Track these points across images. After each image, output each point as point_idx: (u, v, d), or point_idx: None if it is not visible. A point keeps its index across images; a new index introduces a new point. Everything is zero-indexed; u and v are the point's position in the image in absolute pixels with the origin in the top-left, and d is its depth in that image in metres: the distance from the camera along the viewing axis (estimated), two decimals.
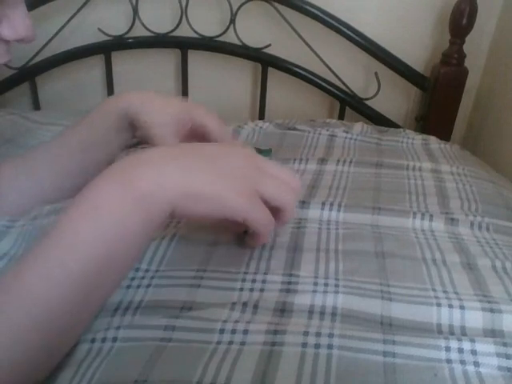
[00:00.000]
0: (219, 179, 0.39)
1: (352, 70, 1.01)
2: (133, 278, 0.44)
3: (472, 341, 0.38)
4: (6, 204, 0.55)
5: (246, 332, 0.38)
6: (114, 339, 0.38)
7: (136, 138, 0.62)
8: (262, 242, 0.48)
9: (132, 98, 0.58)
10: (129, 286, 0.43)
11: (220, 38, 0.98)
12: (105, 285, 0.37)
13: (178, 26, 0.97)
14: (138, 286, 0.44)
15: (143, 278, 0.45)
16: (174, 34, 0.99)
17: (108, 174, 0.38)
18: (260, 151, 0.71)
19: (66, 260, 0.34)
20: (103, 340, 0.38)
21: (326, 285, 0.44)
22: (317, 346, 0.37)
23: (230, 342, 0.38)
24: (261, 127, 0.87)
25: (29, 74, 1.02)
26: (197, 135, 0.57)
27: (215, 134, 0.56)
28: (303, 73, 0.99)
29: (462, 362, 0.37)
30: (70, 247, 0.34)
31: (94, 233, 0.35)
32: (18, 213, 0.54)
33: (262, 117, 1.04)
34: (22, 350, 0.31)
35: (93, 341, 0.38)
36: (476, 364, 0.37)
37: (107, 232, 0.35)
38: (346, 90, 1.00)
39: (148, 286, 0.44)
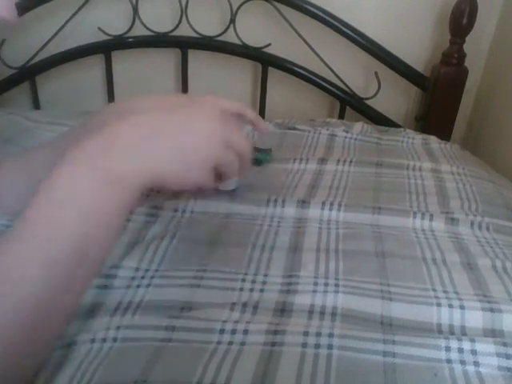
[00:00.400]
0: (182, 159, 0.39)
1: (352, 70, 1.01)
2: (133, 278, 0.44)
3: (472, 341, 0.38)
4: (4, 205, 0.55)
5: (245, 332, 0.38)
6: (114, 339, 0.38)
7: None
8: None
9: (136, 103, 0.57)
10: (129, 286, 0.43)
11: (220, 38, 0.98)
12: (84, 272, 0.36)
13: (178, 25, 0.97)
14: (138, 286, 0.44)
15: (143, 277, 0.45)
16: (174, 33, 0.98)
17: (78, 157, 0.36)
18: (259, 150, 0.71)
19: (46, 250, 0.33)
20: (103, 340, 0.38)
21: (326, 285, 0.44)
22: (317, 346, 0.37)
23: (230, 343, 0.38)
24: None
25: (29, 74, 1.02)
26: None
27: (232, 109, 0.56)
28: (303, 72, 0.98)
29: (462, 362, 0.37)
30: (50, 237, 0.34)
31: (71, 221, 0.34)
32: (14, 214, 0.54)
33: (262, 116, 1.04)
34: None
35: (92, 341, 0.38)
36: (476, 364, 0.37)
37: (84, 219, 0.35)
38: (346, 89, 1.00)
39: (148, 285, 0.44)
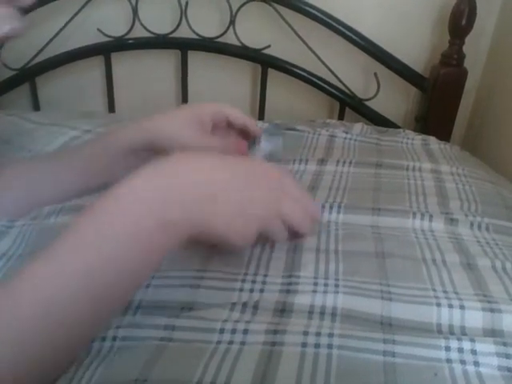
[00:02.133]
0: (235, 221, 0.41)
1: (351, 71, 1.01)
2: None
3: (472, 340, 0.38)
4: (9, 203, 0.55)
5: (246, 332, 0.38)
6: (114, 338, 0.38)
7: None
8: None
9: (148, 124, 0.58)
10: None
11: (220, 39, 0.98)
12: (115, 303, 0.37)
13: (177, 27, 0.97)
14: None
15: None
16: (174, 35, 0.99)
17: (138, 194, 0.37)
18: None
19: (87, 259, 0.34)
20: (103, 339, 0.38)
21: (326, 285, 0.44)
22: (317, 345, 0.37)
23: (230, 342, 0.38)
24: (260, 128, 0.86)
25: (29, 75, 1.02)
26: (219, 128, 0.60)
27: (239, 120, 0.59)
28: (303, 73, 0.99)
29: (462, 362, 0.37)
30: (92, 247, 0.34)
31: (116, 238, 0.35)
32: (20, 214, 0.55)
33: (261, 117, 1.04)
34: (33, 352, 0.31)
35: (93, 340, 0.38)
36: (476, 364, 0.37)
37: (128, 242, 0.35)
38: (346, 90, 1.00)
39: (148, 285, 0.44)
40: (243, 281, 0.45)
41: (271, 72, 1.00)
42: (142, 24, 0.98)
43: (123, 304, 0.39)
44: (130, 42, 1.00)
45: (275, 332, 0.38)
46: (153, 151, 0.56)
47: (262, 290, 0.44)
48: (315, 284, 0.44)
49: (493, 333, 0.41)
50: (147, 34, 0.99)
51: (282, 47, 0.98)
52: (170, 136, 0.57)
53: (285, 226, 0.45)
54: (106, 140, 0.59)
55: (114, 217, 0.36)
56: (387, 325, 0.41)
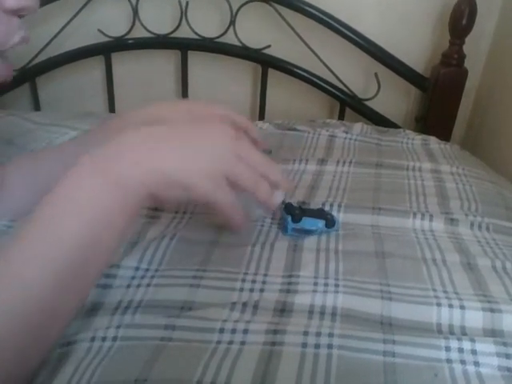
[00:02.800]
0: (191, 165, 0.40)
1: (352, 71, 1.01)
2: (133, 278, 0.44)
3: (472, 341, 0.38)
4: (13, 199, 0.55)
5: (245, 332, 0.38)
6: (114, 338, 0.38)
7: None
8: (233, 225, 0.45)
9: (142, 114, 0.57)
10: (129, 286, 0.43)
11: (220, 39, 0.98)
12: (89, 274, 0.37)
13: (178, 27, 0.97)
14: (138, 286, 0.44)
15: (143, 277, 0.45)
16: (174, 35, 0.99)
17: (88, 161, 0.38)
18: None
19: (53, 251, 0.34)
20: (103, 339, 0.38)
21: (326, 285, 0.44)
22: (317, 345, 0.37)
23: (230, 342, 0.38)
24: (261, 128, 0.87)
25: (29, 75, 1.02)
26: None
27: (243, 124, 0.57)
28: (303, 73, 0.99)
29: (462, 362, 0.37)
30: (56, 238, 0.34)
31: (77, 222, 0.35)
32: (24, 209, 0.55)
33: (261, 117, 1.04)
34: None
35: (93, 339, 0.38)
36: (476, 364, 0.37)
37: (90, 220, 0.36)
38: (346, 90, 1.00)
39: (148, 285, 0.44)
40: (243, 280, 0.45)
41: (271, 72, 1.00)
42: (142, 24, 0.98)
43: (99, 275, 0.39)
44: (130, 42, 1.00)
45: (275, 332, 0.38)
46: None
47: (262, 290, 0.44)
48: (315, 284, 0.44)
49: (493, 333, 0.41)
50: (147, 34, 0.99)
51: (282, 47, 0.98)
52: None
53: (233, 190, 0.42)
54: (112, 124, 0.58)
55: (64, 197, 0.36)
56: (387, 325, 0.41)
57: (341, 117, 1.02)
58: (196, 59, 1.03)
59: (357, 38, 0.94)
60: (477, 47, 0.98)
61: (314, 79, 0.99)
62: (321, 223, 0.52)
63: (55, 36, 0.98)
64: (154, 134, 0.41)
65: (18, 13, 0.44)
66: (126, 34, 0.99)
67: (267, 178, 0.43)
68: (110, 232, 0.37)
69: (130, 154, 0.39)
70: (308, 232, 0.52)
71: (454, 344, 0.38)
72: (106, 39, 0.99)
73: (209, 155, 0.40)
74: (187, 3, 0.96)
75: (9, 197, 0.55)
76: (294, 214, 0.52)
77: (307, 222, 0.52)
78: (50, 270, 0.33)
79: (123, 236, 0.39)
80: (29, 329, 0.32)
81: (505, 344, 0.38)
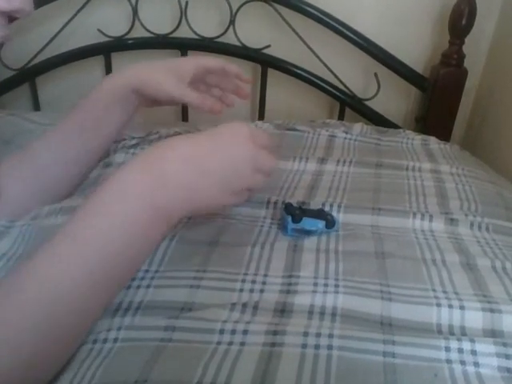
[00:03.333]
0: (221, 192, 0.45)
1: (352, 71, 1.01)
2: (133, 279, 0.44)
3: (472, 341, 0.38)
4: (10, 195, 0.56)
5: (245, 332, 0.38)
6: (115, 340, 0.38)
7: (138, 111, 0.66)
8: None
9: (134, 71, 0.62)
10: (129, 287, 0.43)
11: (220, 39, 0.98)
12: (115, 290, 0.40)
13: (177, 26, 0.97)
14: (138, 287, 0.44)
15: (143, 278, 0.45)
16: (174, 34, 0.99)
17: (127, 192, 0.40)
18: None
19: (84, 253, 0.36)
20: (104, 341, 0.38)
21: (325, 285, 0.44)
22: (317, 346, 0.37)
23: (230, 343, 0.38)
24: (260, 128, 0.87)
25: (29, 75, 1.02)
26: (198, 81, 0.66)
27: (217, 65, 0.65)
28: (303, 73, 0.99)
29: (462, 362, 0.37)
30: (88, 242, 0.36)
31: (111, 230, 0.37)
32: (23, 205, 0.56)
33: (261, 117, 1.04)
34: (38, 339, 0.33)
35: (94, 342, 0.38)
36: (476, 364, 0.37)
37: (124, 231, 0.38)
38: (346, 90, 1.00)
39: (148, 286, 0.44)
40: (243, 281, 0.45)
41: (271, 72, 1.00)
42: (142, 24, 0.98)
43: (121, 288, 0.42)
44: (130, 42, 1.00)
45: (275, 333, 0.38)
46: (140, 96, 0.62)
47: (262, 291, 0.44)
48: (315, 284, 0.44)
49: (493, 333, 0.41)
50: (147, 34, 0.99)
51: (282, 47, 0.98)
52: (155, 86, 0.61)
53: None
54: (96, 94, 0.62)
55: (107, 211, 0.38)
56: (387, 325, 0.41)
57: (341, 117, 1.02)
58: None
59: (356, 38, 0.94)
60: (477, 47, 0.98)
61: (314, 79, 0.99)
62: (321, 224, 0.53)
63: (55, 36, 0.98)
64: (189, 162, 0.43)
65: (10, 14, 0.44)
66: (125, 34, 0.99)
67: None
68: (137, 253, 0.40)
69: (169, 186, 0.41)
70: (308, 232, 0.52)
71: (453, 344, 0.38)
72: (106, 39, 0.99)
73: (236, 178, 0.46)
74: (187, 3, 0.96)
75: (5, 197, 0.55)
76: (294, 214, 0.52)
77: (307, 223, 0.52)
78: (78, 277, 0.35)
79: (156, 245, 0.43)
80: (59, 330, 0.34)
81: (505, 344, 0.38)
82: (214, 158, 0.44)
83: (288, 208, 0.53)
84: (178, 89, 0.60)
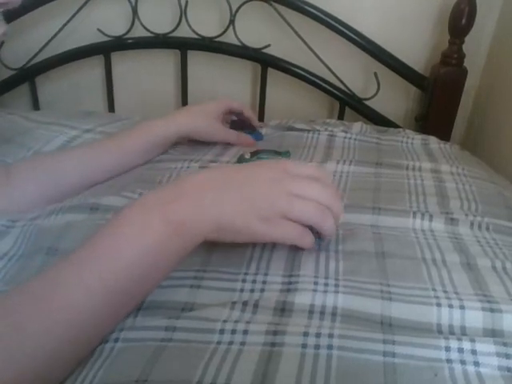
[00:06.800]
0: (247, 210, 0.43)
1: (351, 70, 1.01)
2: None
3: (472, 341, 0.38)
4: (24, 194, 0.57)
5: (245, 332, 0.38)
6: (116, 340, 0.38)
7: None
8: (307, 248, 0.48)
9: (182, 119, 0.72)
10: None
11: (219, 39, 0.98)
12: (131, 304, 0.40)
13: (177, 26, 0.97)
14: None
15: None
16: (174, 34, 0.99)
17: (150, 202, 0.41)
18: (279, 153, 0.71)
19: (104, 273, 0.36)
20: (105, 341, 0.38)
21: (326, 285, 0.44)
22: (317, 346, 0.37)
23: (230, 343, 0.38)
24: (260, 127, 0.87)
25: (28, 75, 1.02)
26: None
27: (239, 109, 0.78)
28: (303, 73, 0.99)
29: (462, 362, 0.37)
30: (110, 262, 0.37)
31: (132, 252, 0.38)
32: (32, 203, 0.57)
33: (261, 117, 1.04)
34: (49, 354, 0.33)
35: None
36: (476, 364, 0.37)
37: (145, 254, 0.38)
38: (346, 90, 1.00)
39: None
40: (244, 281, 0.45)
41: (271, 71, 1.00)
42: (141, 24, 0.98)
43: (137, 305, 0.41)
44: (130, 41, 1.00)
45: (275, 333, 0.38)
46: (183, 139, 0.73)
47: (262, 290, 0.44)
48: (315, 283, 0.44)
49: (493, 333, 0.40)
50: (147, 34, 0.99)
51: (282, 46, 0.98)
52: (203, 134, 0.74)
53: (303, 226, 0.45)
54: (143, 131, 0.69)
55: (128, 231, 0.39)
56: (387, 325, 0.41)
57: (340, 116, 1.02)
58: (196, 59, 1.03)
59: (356, 38, 0.94)
60: (477, 46, 0.98)
61: (314, 79, 0.99)
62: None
63: (55, 35, 0.98)
64: (211, 179, 0.44)
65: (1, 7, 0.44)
66: (125, 34, 0.99)
67: (331, 210, 0.46)
68: (160, 271, 0.41)
69: (192, 204, 0.41)
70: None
71: (453, 344, 0.38)
72: (106, 39, 0.99)
73: (263, 196, 0.43)
74: (187, 2, 0.96)
75: (18, 191, 0.57)
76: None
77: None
78: (98, 294, 0.36)
79: (179, 260, 0.42)
80: (74, 335, 0.35)
81: (505, 344, 0.38)
82: (238, 175, 0.45)
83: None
84: (220, 131, 0.75)
